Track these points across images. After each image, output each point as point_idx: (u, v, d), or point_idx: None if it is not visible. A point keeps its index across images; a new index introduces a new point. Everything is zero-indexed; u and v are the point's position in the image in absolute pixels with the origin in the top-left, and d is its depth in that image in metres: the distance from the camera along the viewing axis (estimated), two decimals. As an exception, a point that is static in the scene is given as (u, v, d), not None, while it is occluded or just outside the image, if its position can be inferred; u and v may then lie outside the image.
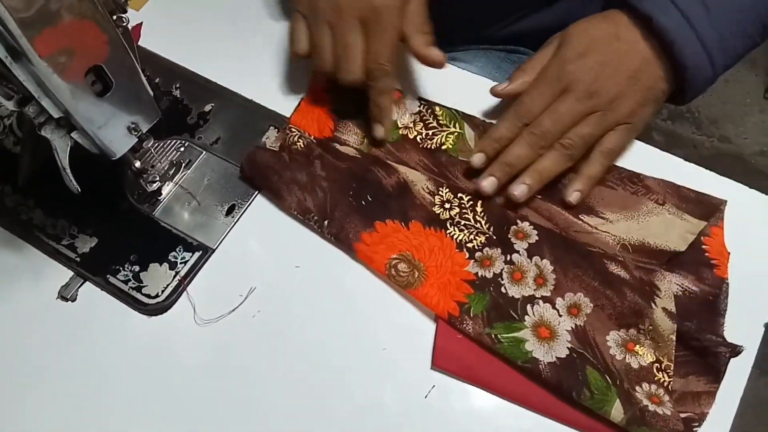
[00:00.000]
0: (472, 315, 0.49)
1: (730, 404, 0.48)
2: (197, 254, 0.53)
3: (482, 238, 0.53)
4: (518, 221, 0.54)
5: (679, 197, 0.55)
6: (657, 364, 0.48)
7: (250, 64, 0.63)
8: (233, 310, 0.51)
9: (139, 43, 0.64)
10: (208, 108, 0.60)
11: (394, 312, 0.52)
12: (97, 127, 0.45)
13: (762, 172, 1.63)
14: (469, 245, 0.53)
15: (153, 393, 0.49)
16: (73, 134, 0.45)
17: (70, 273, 0.53)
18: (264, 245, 0.54)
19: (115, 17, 0.42)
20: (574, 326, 0.49)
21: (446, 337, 0.50)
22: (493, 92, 0.57)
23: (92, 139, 0.45)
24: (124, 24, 0.43)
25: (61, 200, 0.54)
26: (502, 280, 0.52)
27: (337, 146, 0.58)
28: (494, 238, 0.53)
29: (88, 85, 0.42)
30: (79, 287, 0.53)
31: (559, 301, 0.50)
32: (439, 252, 0.53)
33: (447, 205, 0.55)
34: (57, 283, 0.53)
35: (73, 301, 0.52)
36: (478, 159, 0.55)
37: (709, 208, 0.54)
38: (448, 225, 0.54)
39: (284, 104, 0.60)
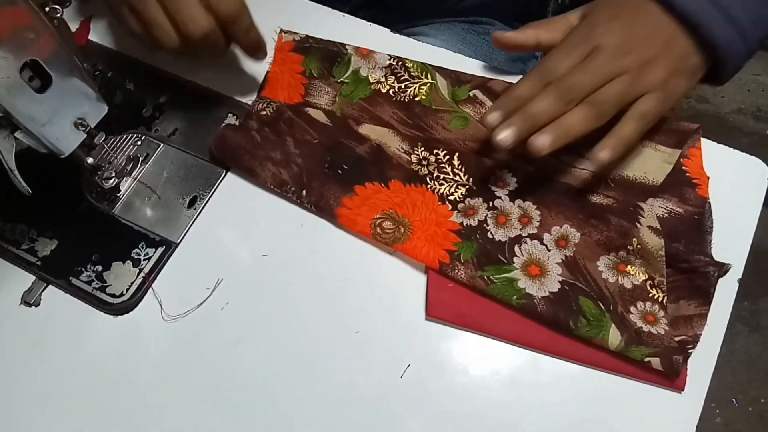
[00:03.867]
0: (462, 260, 0.50)
1: (718, 326, 0.48)
2: (160, 249, 0.52)
3: (463, 190, 0.53)
4: (496, 170, 0.54)
5: (652, 129, 0.53)
6: (650, 282, 0.48)
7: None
8: (201, 304, 0.50)
9: (90, 37, 0.63)
10: (163, 99, 0.58)
11: (365, 295, 0.51)
12: (40, 125, 0.43)
13: (740, 130, 1.64)
14: (451, 198, 0.53)
15: (123, 393, 0.48)
16: (17, 134, 0.43)
17: (33, 277, 0.52)
18: (229, 235, 0.53)
19: (48, 8, 0.41)
20: (564, 257, 0.50)
21: (438, 287, 0.49)
22: (497, 38, 0.53)
23: (37, 138, 0.44)
24: (58, 15, 0.41)
25: (18, 204, 0.52)
26: (488, 225, 0.52)
27: (309, 110, 0.57)
28: (474, 188, 0.53)
29: (26, 81, 0.41)
30: (42, 291, 0.51)
31: (546, 236, 0.51)
32: (422, 206, 0.53)
33: (424, 162, 0.54)
34: (19, 289, 0.52)
35: (36, 306, 0.51)
36: (493, 118, 0.49)
37: (682, 135, 0.53)
38: (427, 180, 0.54)
39: (242, 90, 0.59)
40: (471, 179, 0.53)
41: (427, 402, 0.47)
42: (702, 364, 0.47)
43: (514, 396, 0.47)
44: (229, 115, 0.57)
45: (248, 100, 0.58)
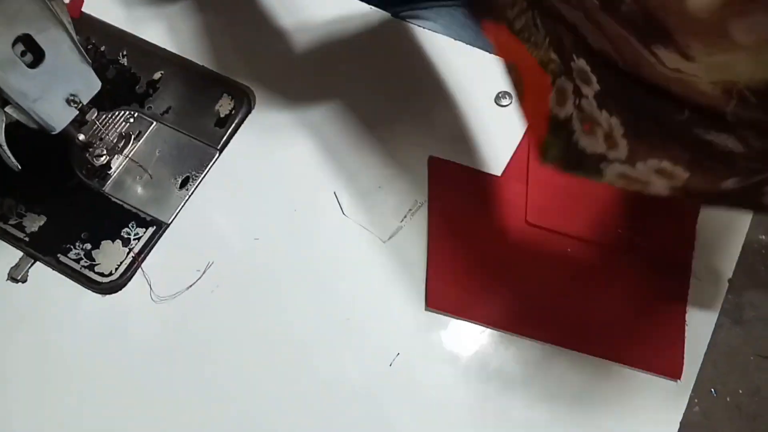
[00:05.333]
0: (549, 159, 0.44)
1: (707, 322, 0.49)
2: (151, 229, 0.51)
3: (553, 66, 0.42)
4: (574, 56, 0.39)
5: None
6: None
7: (200, 27, 0.60)
8: (190, 286, 0.50)
9: (83, 9, 0.61)
10: (157, 76, 0.57)
11: (357, 282, 0.50)
12: (32, 101, 0.42)
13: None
14: (548, 69, 0.43)
15: (110, 373, 0.48)
16: (7, 109, 0.42)
17: (20, 253, 0.51)
18: (221, 218, 0.53)
19: (41, -19, 0.40)
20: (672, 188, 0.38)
21: (437, 278, 0.49)
22: None
23: (28, 114, 0.43)
24: (52, -12, 0.40)
25: (7, 178, 0.51)
26: (573, 127, 0.42)
27: None
28: (562, 67, 0.42)
29: (18, 56, 0.40)
30: (29, 268, 0.51)
31: (640, 164, 0.38)
32: (535, 68, 0.44)
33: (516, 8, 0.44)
34: (6, 265, 0.51)
35: (23, 283, 0.51)
36: None
37: None
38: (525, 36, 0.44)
39: (236, 69, 0.58)
40: (554, 54, 0.42)
41: (416, 390, 0.47)
42: (689, 357, 0.48)
43: (501, 387, 0.47)
44: (224, 94, 0.56)
45: (243, 80, 0.57)
